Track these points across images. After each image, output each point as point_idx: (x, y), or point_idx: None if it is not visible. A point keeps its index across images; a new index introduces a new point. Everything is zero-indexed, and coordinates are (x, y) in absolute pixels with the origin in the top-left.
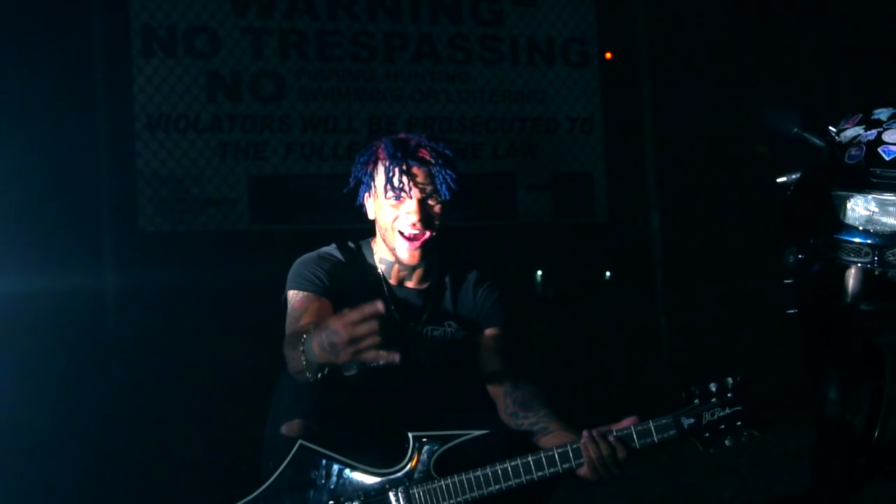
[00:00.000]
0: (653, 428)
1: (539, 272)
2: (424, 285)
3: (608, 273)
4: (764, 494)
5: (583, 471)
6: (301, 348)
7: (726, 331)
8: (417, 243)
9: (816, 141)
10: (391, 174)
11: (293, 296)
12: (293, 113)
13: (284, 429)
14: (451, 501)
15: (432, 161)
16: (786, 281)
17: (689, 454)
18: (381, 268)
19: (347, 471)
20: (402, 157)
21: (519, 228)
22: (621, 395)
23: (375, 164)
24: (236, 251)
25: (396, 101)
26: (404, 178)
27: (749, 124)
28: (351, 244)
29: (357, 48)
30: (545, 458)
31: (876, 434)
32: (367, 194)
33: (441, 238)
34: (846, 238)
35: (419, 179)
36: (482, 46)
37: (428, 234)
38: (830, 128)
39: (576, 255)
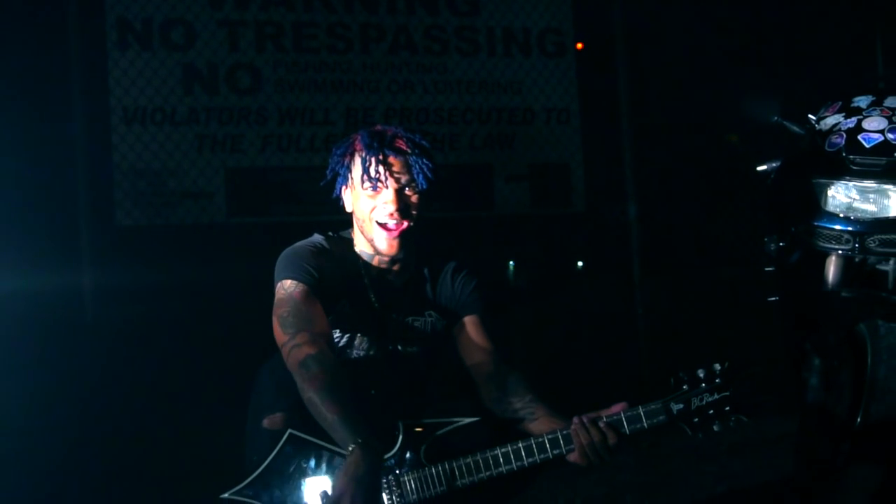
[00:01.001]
0: (642, 413)
1: (511, 263)
2: (404, 276)
3: (580, 263)
4: (744, 481)
5: (573, 457)
6: (341, 436)
7: (704, 319)
8: (395, 233)
9: (796, 129)
10: (368, 164)
11: (292, 285)
12: (270, 105)
13: (266, 422)
14: (441, 488)
15: (409, 151)
16: (767, 269)
17: (668, 442)
18: (362, 258)
19: (337, 459)
20: (379, 147)
21: (496, 219)
22: (599, 384)
23: (352, 156)
24: (214, 244)
25: (373, 92)
26: (381, 168)
27: (725, 114)
28: (333, 234)
29: (333, 40)
30: (535, 444)
31: (858, 419)
32: (344, 186)
33: (419, 228)
34: (827, 225)
35: (396, 169)
36: (459, 37)
37: (406, 224)
38: (810, 116)
39: (553, 245)
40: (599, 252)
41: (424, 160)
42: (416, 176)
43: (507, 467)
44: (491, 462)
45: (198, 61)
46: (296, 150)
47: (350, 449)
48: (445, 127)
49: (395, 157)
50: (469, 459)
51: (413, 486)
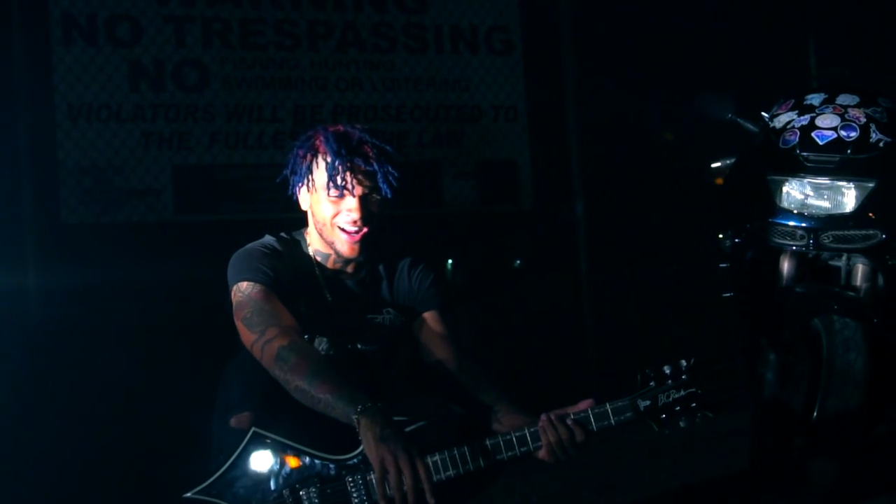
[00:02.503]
0: (610, 410)
1: (450, 261)
2: (360, 275)
3: (518, 261)
4: (698, 476)
5: (541, 453)
6: (341, 412)
7: (651, 315)
8: (358, 237)
9: (750, 126)
10: (334, 172)
11: (249, 286)
12: (217, 102)
13: (234, 421)
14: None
15: (375, 158)
16: (721, 265)
17: (619, 438)
18: (316, 259)
19: (302, 457)
20: (347, 154)
21: (445, 216)
22: (547, 381)
23: (314, 157)
24: (161, 242)
25: (321, 89)
26: (348, 176)
27: (672, 111)
28: (285, 235)
29: (281, 37)
30: (503, 441)
31: (815, 414)
32: (300, 185)
33: (379, 231)
34: (782, 222)
35: (361, 176)
36: (406, 35)
37: (367, 229)
38: (763, 113)
39: (501, 242)
40: (547, 249)
41: (390, 168)
42: (381, 184)
43: (475, 464)
44: (458, 460)
45: (144, 58)
46: (243, 148)
47: (355, 419)
48: (393, 124)
49: (363, 164)
50: (436, 457)
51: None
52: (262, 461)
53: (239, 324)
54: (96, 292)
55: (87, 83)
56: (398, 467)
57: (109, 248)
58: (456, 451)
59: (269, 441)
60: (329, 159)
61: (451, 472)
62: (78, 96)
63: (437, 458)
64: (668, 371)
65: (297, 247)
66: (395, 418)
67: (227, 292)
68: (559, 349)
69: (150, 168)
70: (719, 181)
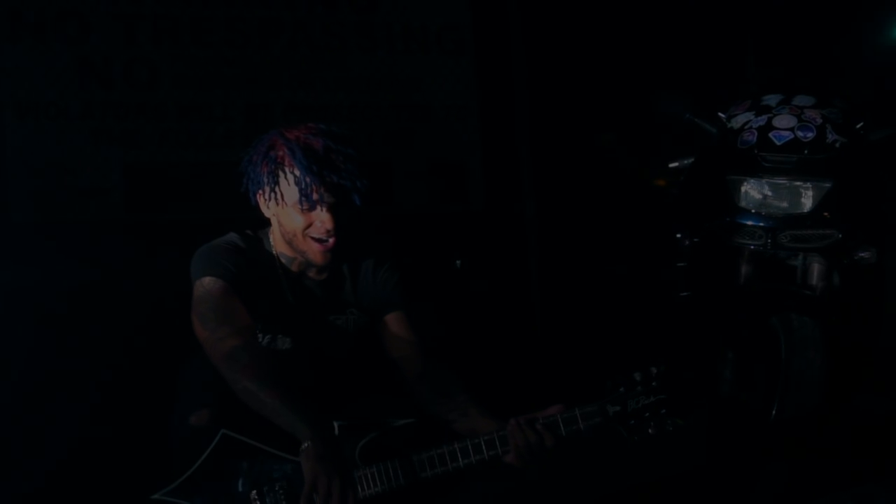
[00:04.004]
0: (579, 415)
1: (387, 263)
2: (324, 275)
3: (458, 262)
4: (653, 474)
5: (509, 458)
6: (286, 420)
7: (602, 316)
8: (330, 245)
9: (708, 127)
10: (305, 187)
11: (210, 282)
12: (168, 100)
13: (193, 419)
14: (377, 489)
15: (345, 169)
16: (679, 264)
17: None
18: (280, 260)
19: (271, 459)
20: (319, 170)
21: (395, 217)
22: (496, 384)
23: (279, 169)
24: (112, 241)
25: (272, 88)
26: (321, 191)
27: (623, 110)
28: (249, 233)
29: (232, 35)
30: (471, 445)
31: (774, 412)
32: (259, 192)
33: (349, 237)
34: (740, 221)
35: (332, 188)
36: (358, 34)
37: (339, 237)
38: (720, 114)
39: (451, 243)
40: (497, 250)
41: (361, 179)
42: (353, 195)
43: (443, 468)
44: (427, 463)
45: (93, 55)
46: (195, 147)
47: (304, 434)
48: (345, 124)
49: (336, 178)
50: (406, 460)
51: None
52: (229, 462)
53: (194, 318)
54: (46, 292)
55: (34, 80)
56: (329, 490)
57: (59, 247)
58: (425, 455)
59: (236, 442)
60: (298, 174)
61: (419, 476)
62: (25, 94)
63: (405, 461)
64: (638, 377)
65: (261, 246)
66: (352, 422)
67: (178, 290)
68: (509, 350)
69: (100, 167)
70: (660, 182)
